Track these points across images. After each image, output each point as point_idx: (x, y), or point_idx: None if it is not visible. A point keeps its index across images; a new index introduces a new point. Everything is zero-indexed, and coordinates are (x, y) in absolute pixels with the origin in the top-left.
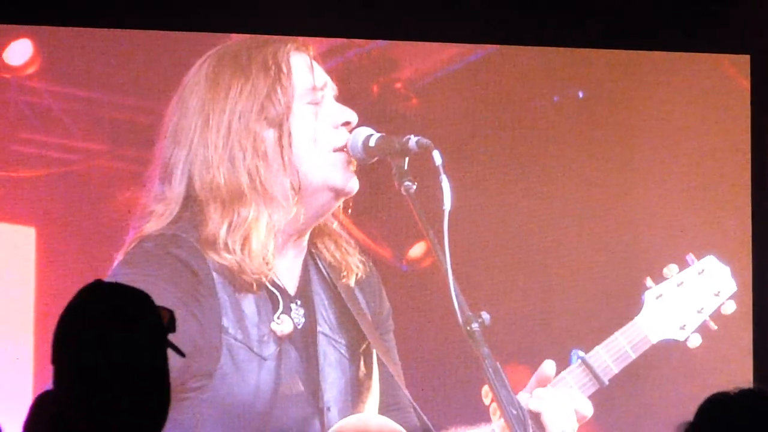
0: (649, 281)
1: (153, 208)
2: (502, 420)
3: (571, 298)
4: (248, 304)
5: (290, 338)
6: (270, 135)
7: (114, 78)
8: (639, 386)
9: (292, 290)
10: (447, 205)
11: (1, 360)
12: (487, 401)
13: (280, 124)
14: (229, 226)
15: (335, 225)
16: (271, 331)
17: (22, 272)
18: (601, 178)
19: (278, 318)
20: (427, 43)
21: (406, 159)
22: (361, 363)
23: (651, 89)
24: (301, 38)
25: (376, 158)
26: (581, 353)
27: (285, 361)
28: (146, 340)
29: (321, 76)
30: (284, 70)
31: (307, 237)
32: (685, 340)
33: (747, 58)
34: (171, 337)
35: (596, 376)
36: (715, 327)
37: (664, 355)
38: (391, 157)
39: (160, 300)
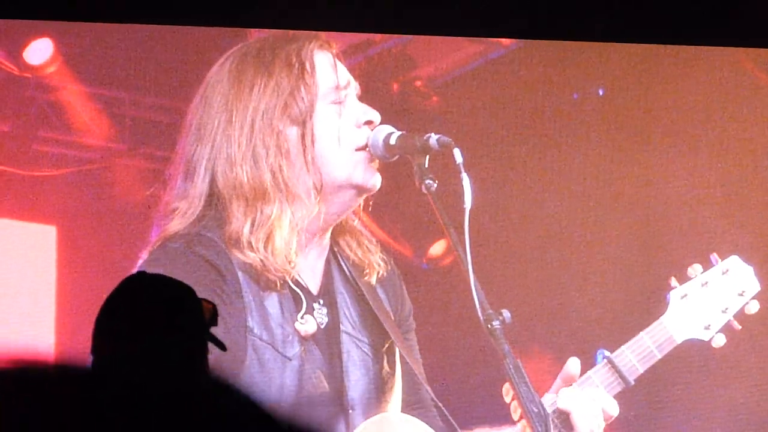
0: (673, 281)
1: (176, 206)
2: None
3: (593, 297)
4: (272, 303)
5: (314, 338)
6: (293, 133)
7: (134, 77)
8: (661, 386)
9: (314, 289)
10: (468, 203)
11: (22, 356)
12: (508, 399)
13: (303, 122)
14: (252, 224)
15: (356, 223)
16: (295, 330)
17: (43, 270)
18: (622, 176)
19: (302, 318)
20: (447, 41)
21: (427, 157)
22: (384, 362)
23: (671, 84)
24: (324, 36)
25: (397, 156)
26: (607, 353)
27: (309, 361)
28: (187, 331)
29: (344, 74)
30: (308, 68)
31: (328, 235)
32: (710, 340)
33: (766, 52)
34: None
35: (622, 376)
36: (740, 327)
37: (686, 354)
38: (412, 155)
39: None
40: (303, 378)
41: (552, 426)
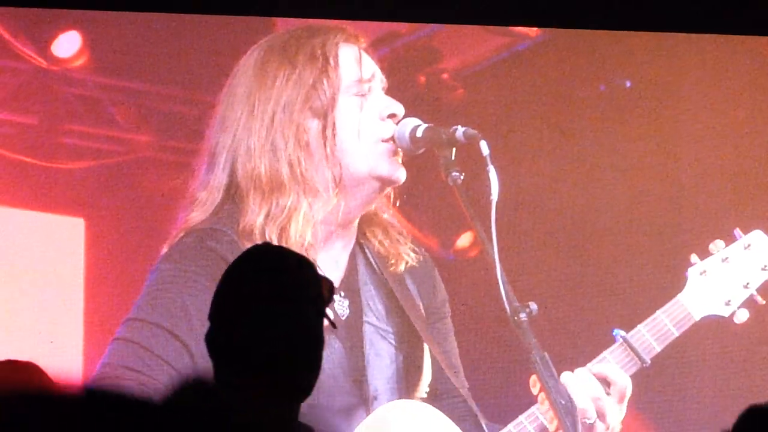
0: (694, 257)
1: (197, 196)
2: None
3: (620, 285)
4: None
5: (333, 330)
6: (314, 126)
7: (161, 69)
8: (682, 364)
9: (337, 281)
10: (494, 195)
11: (51, 348)
12: (534, 391)
13: (324, 115)
14: (267, 215)
15: (386, 215)
16: None
17: (71, 263)
18: (649, 167)
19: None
20: (473, 33)
21: (453, 149)
22: (411, 352)
23: (698, 74)
24: (351, 29)
25: (423, 149)
26: (622, 332)
27: (328, 353)
28: (305, 305)
29: (369, 67)
30: (331, 61)
31: (354, 227)
32: (731, 315)
33: None
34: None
35: (638, 355)
36: (763, 301)
37: (707, 332)
38: (438, 147)
39: (197, 295)
40: (322, 369)
41: (579, 418)
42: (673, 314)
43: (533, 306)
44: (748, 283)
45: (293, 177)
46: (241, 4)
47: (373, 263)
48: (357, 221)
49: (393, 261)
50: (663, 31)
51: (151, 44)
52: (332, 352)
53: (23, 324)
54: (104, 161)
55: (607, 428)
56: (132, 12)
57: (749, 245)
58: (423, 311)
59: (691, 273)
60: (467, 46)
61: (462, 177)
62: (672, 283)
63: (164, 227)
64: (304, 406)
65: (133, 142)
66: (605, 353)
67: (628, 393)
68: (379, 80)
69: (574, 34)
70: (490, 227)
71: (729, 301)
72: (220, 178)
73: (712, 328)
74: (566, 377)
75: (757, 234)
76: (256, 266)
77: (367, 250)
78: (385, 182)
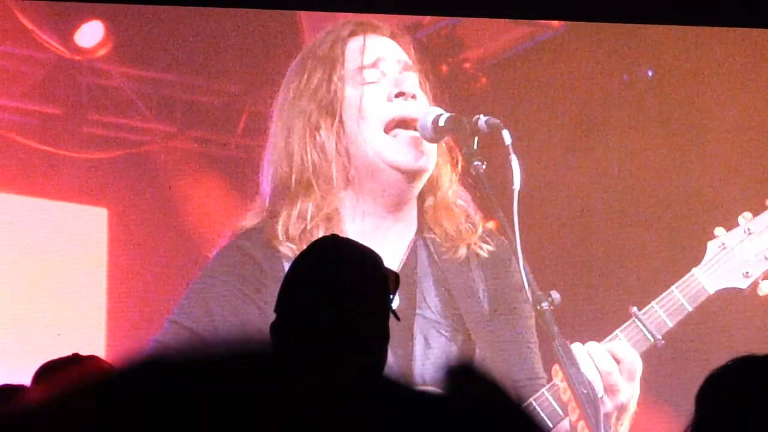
0: (718, 230)
1: (253, 204)
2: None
3: (644, 278)
4: None
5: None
6: (326, 124)
7: (185, 59)
8: (703, 340)
9: None
10: (516, 184)
11: (76, 338)
12: (557, 380)
13: (332, 112)
14: (289, 216)
15: (460, 202)
16: None
17: (94, 253)
18: (672, 156)
19: None
20: (495, 23)
21: (476, 139)
22: (466, 343)
23: (720, 65)
24: (364, 20)
25: (445, 138)
26: (636, 309)
27: None
28: (372, 298)
29: (374, 53)
30: (339, 58)
31: (411, 218)
32: (753, 287)
33: None
34: (228, 326)
35: (649, 331)
36: None
37: (728, 306)
38: (461, 136)
39: (222, 294)
40: None
41: (601, 406)
42: (687, 288)
43: (555, 295)
44: None
45: (316, 177)
46: None
47: (434, 254)
48: (413, 212)
49: (458, 251)
50: (686, 25)
51: (174, 34)
52: None
53: (46, 314)
54: (127, 151)
55: (619, 407)
56: (156, 5)
57: None
58: (486, 302)
59: (710, 246)
60: (490, 37)
61: (484, 166)
62: (696, 260)
63: (187, 217)
64: None
65: (157, 131)
66: (617, 331)
67: (638, 371)
68: (391, 62)
69: (596, 25)
70: (512, 216)
71: (748, 272)
72: (265, 185)
73: (735, 301)
74: (576, 348)
75: None
76: (322, 259)
77: (429, 241)
78: (404, 172)
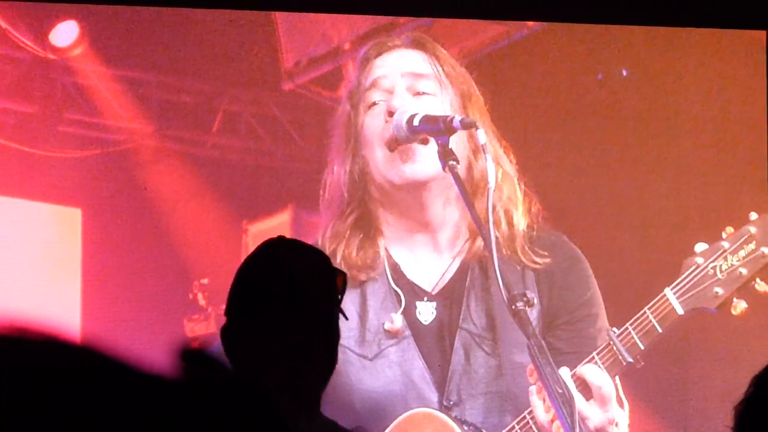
0: (698, 246)
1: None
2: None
3: (620, 277)
4: (351, 305)
5: (414, 336)
6: (352, 152)
7: (160, 58)
8: (684, 354)
9: (429, 286)
10: (491, 183)
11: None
12: (531, 380)
13: (351, 139)
14: (324, 234)
15: (519, 212)
16: (384, 330)
17: (68, 253)
18: (647, 153)
19: (394, 317)
20: (471, 23)
21: (451, 138)
22: (507, 359)
23: (694, 65)
24: (379, 40)
25: (421, 137)
26: (614, 330)
27: (408, 356)
28: (320, 298)
29: (378, 74)
30: (356, 87)
31: (460, 233)
32: (726, 306)
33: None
34: None
35: (622, 354)
36: (765, 289)
37: (710, 324)
38: (436, 136)
39: None
40: (382, 377)
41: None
42: (657, 309)
43: (531, 295)
44: (743, 272)
45: (342, 199)
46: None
47: (486, 266)
48: (456, 221)
49: (512, 265)
50: (660, 26)
51: (149, 34)
52: (411, 355)
53: (19, 314)
54: (102, 150)
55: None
56: (131, 6)
57: (753, 231)
58: (536, 317)
59: (685, 264)
60: (465, 36)
61: (458, 165)
62: (677, 262)
63: (163, 217)
64: (378, 408)
65: (132, 131)
66: (594, 353)
67: (611, 396)
68: (396, 79)
69: (571, 24)
70: (488, 215)
71: (718, 293)
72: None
73: (714, 317)
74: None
75: (763, 219)
76: (269, 260)
77: (480, 251)
78: (401, 187)
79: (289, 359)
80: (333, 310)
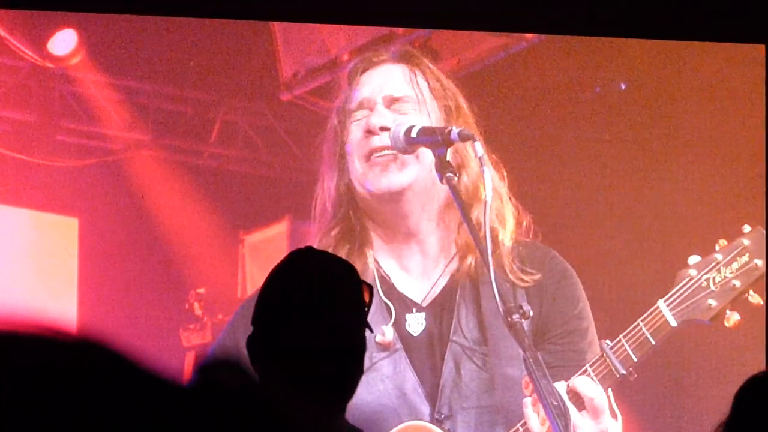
0: (691, 259)
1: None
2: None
3: (621, 287)
4: None
5: (405, 348)
6: (338, 165)
7: (157, 68)
8: (679, 363)
9: (419, 298)
10: (489, 196)
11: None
12: (527, 392)
13: (333, 152)
14: (320, 242)
15: (507, 230)
16: (376, 343)
17: (65, 263)
18: (643, 167)
19: (385, 329)
20: (469, 34)
21: (449, 150)
22: (498, 372)
23: (692, 79)
24: (365, 56)
25: (419, 149)
26: (607, 342)
27: (399, 368)
28: (347, 309)
29: (362, 91)
30: (343, 104)
31: (443, 241)
32: (719, 318)
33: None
34: None
35: (615, 366)
36: (761, 302)
37: (703, 336)
38: (433, 148)
39: None
40: (374, 391)
41: (570, 420)
42: (651, 321)
43: (527, 307)
44: (736, 285)
45: (332, 211)
46: (236, 10)
47: (476, 277)
48: (444, 233)
49: (502, 281)
50: (659, 39)
51: (147, 43)
52: (403, 368)
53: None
54: (100, 159)
55: None
56: (129, 15)
57: (746, 243)
58: (527, 331)
59: (678, 276)
60: (463, 48)
61: (456, 178)
62: (666, 289)
63: (160, 226)
64: (371, 421)
65: (129, 140)
66: (587, 365)
67: (603, 407)
68: (377, 95)
69: (569, 37)
70: (485, 227)
71: (711, 305)
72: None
73: (707, 329)
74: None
75: (757, 231)
76: (297, 270)
77: (472, 263)
78: (380, 196)
79: (315, 370)
80: (360, 321)
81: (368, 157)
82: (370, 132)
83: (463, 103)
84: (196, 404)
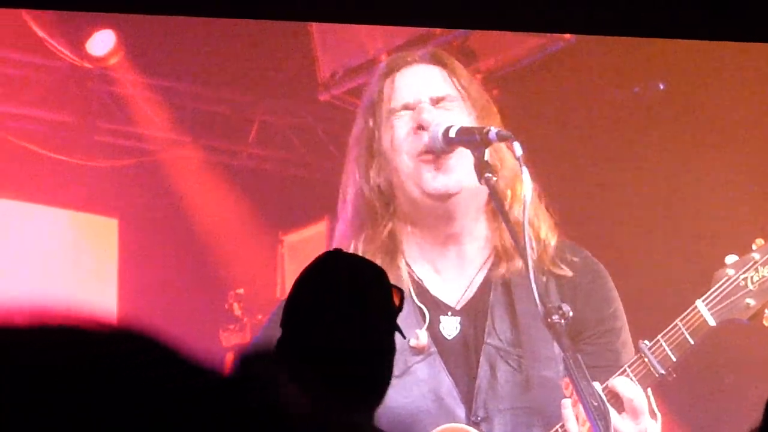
0: (729, 258)
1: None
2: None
3: (658, 287)
4: None
5: (439, 352)
6: (374, 164)
7: (195, 68)
8: (719, 364)
9: (453, 302)
10: (528, 196)
11: None
12: (567, 393)
13: (371, 151)
14: (356, 250)
15: (542, 228)
16: (410, 347)
17: (105, 264)
18: (682, 166)
19: (419, 333)
20: (507, 35)
21: (487, 150)
22: (533, 373)
23: (730, 79)
24: (397, 55)
25: (457, 149)
26: (646, 342)
27: (433, 372)
28: (377, 312)
29: (400, 89)
30: (378, 103)
31: (484, 248)
32: (758, 318)
33: None
34: None
35: (654, 367)
36: None
37: (742, 335)
38: (472, 148)
39: None
40: (410, 395)
41: (611, 421)
42: (689, 321)
43: (566, 308)
44: None
45: (367, 212)
46: (274, 10)
47: (510, 280)
48: (480, 234)
49: (538, 278)
50: (698, 39)
51: (185, 44)
52: (438, 371)
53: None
54: (138, 159)
55: None
56: (167, 16)
57: None
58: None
59: (716, 276)
60: (501, 48)
61: (495, 178)
62: (703, 289)
63: (197, 226)
64: (407, 425)
65: (167, 140)
66: (626, 365)
67: (643, 408)
68: (418, 94)
69: (607, 37)
70: (524, 227)
71: (750, 304)
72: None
73: (746, 328)
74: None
75: None
76: (327, 274)
77: (505, 270)
78: (433, 197)
79: (344, 371)
80: (390, 325)
81: (420, 155)
82: (421, 128)
83: (492, 105)
84: (236, 393)
